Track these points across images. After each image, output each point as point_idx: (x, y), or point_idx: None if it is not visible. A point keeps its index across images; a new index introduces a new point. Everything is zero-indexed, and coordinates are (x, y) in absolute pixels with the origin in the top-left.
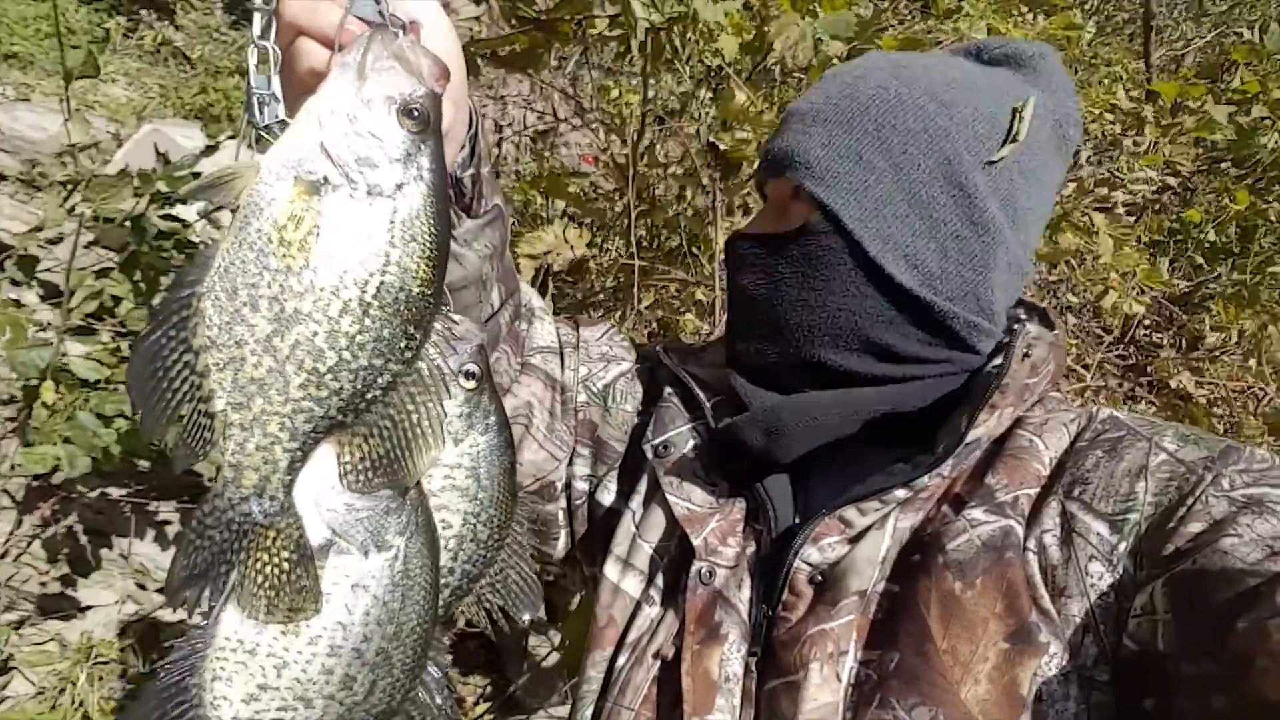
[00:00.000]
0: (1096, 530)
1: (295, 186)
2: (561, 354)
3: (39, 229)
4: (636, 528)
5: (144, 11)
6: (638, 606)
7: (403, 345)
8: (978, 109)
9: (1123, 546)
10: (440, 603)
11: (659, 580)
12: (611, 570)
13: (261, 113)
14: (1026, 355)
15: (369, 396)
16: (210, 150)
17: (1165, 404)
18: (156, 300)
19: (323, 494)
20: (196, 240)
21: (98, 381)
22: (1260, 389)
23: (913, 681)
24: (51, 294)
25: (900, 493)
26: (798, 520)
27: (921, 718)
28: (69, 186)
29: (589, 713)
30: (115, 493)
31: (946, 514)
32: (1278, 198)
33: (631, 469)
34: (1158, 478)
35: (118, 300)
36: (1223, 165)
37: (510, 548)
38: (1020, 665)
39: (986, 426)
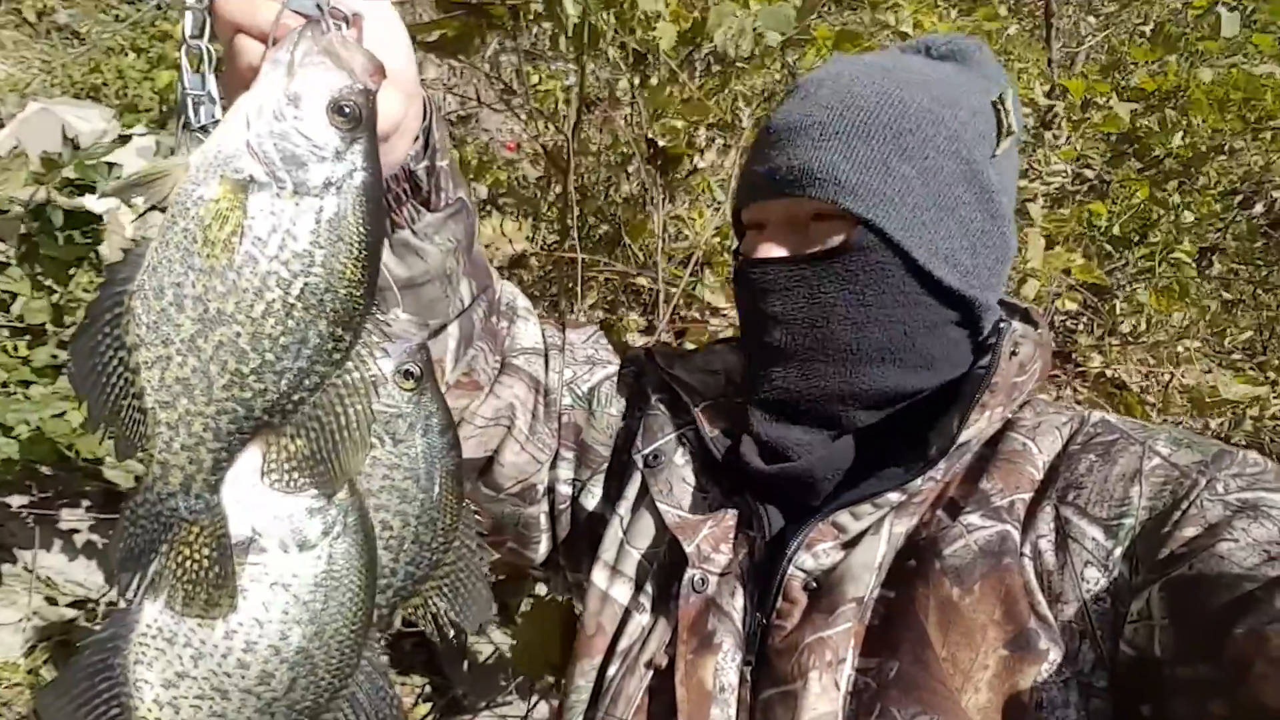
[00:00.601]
0: (1092, 535)
1: (221, 185)
2: (546, 356)
3: None
4: (624, 534)
5: None
6: (627, 614)
7: (330, 347)
8: (972, 107)
9: (1118, 552)
10: (384, 603)
11: (649, 587)
12: (599, 577)
13: (197, 114)
14: (1013, 354)
15: (295, 398)
16: (124, 140)
17: (1101, 392)
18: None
19: (245, 490)
20: (102, 229)
21: None
22: (1171, 372)
23: (913, 690)
24: None
25: (894, 496)
26: (790, 525)
27: None
28: None
29: None
30: (16, 502)
31: (942, 519)
32: (1175, 189)
33: (618, 474)
34: (1152, 482)
35: (14, 296)
36: (1126, 157)
37: (458, 552)
38: (1020, 672)
39: (977, 427)
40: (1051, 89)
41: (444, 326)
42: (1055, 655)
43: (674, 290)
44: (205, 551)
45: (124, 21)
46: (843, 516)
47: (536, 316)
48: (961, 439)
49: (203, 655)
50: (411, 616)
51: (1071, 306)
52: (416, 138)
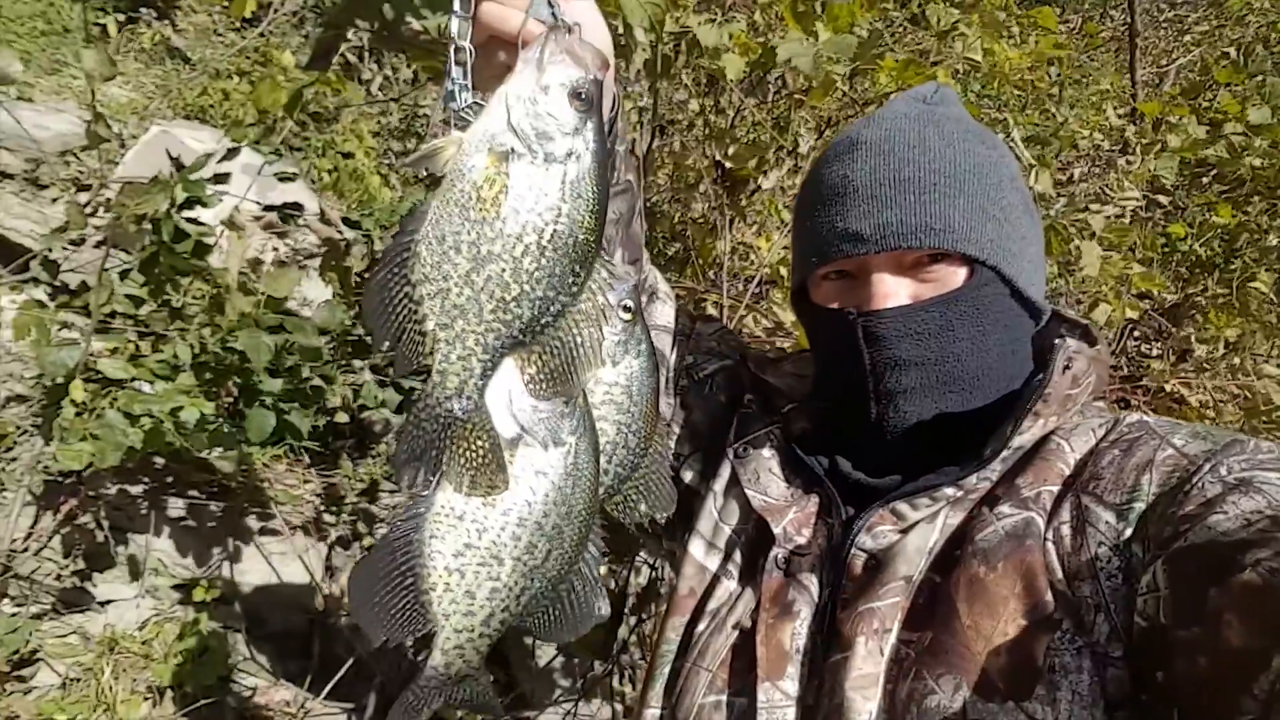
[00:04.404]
0: (1105, 519)
1: (489, 155)
2: (675, 338)
3: (64, 229)
4: (718, 513)
5: (142, 10)
6: (715, 579)
7: (570, 281)
8: (1002, 147)
9: (1128, 532)
10: (600, 496)
11: (736, 557)
12: (696, 548)
13: (460, 98)
14: (1067, 368)
15: (544, 321)
16: (233, 153)
17: (1160, 407)
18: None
19: (515, 399)
20: (213, 242)
21: (121, 380)
22: (1246, 393)
23: (941, 654)
24: (57, 293)
25: (950, 491)
26: (859, 513)
27: (948, 685)
28: (93, 188)
29: (667, 669)
30: (133, 490)
31: (983, 513)
32: (1260, 211)
33: (715, 457)
34: (1162, 470)
35: (140, 301)
36: (1205, 181)
37: (652, 457)
38: (1036, 639)
39: (1031, 433)
40: (1132, 112)
41: None
42: (1069, 625)
43: (739, 305)
44: (480, 442)
45: (230, 47)
46: (901, 505)
47: (675, 302)
48: (1015, 443)
49: (485, 529)
50: (614, 510)
51: (1133, 315)
52: (608, 124)
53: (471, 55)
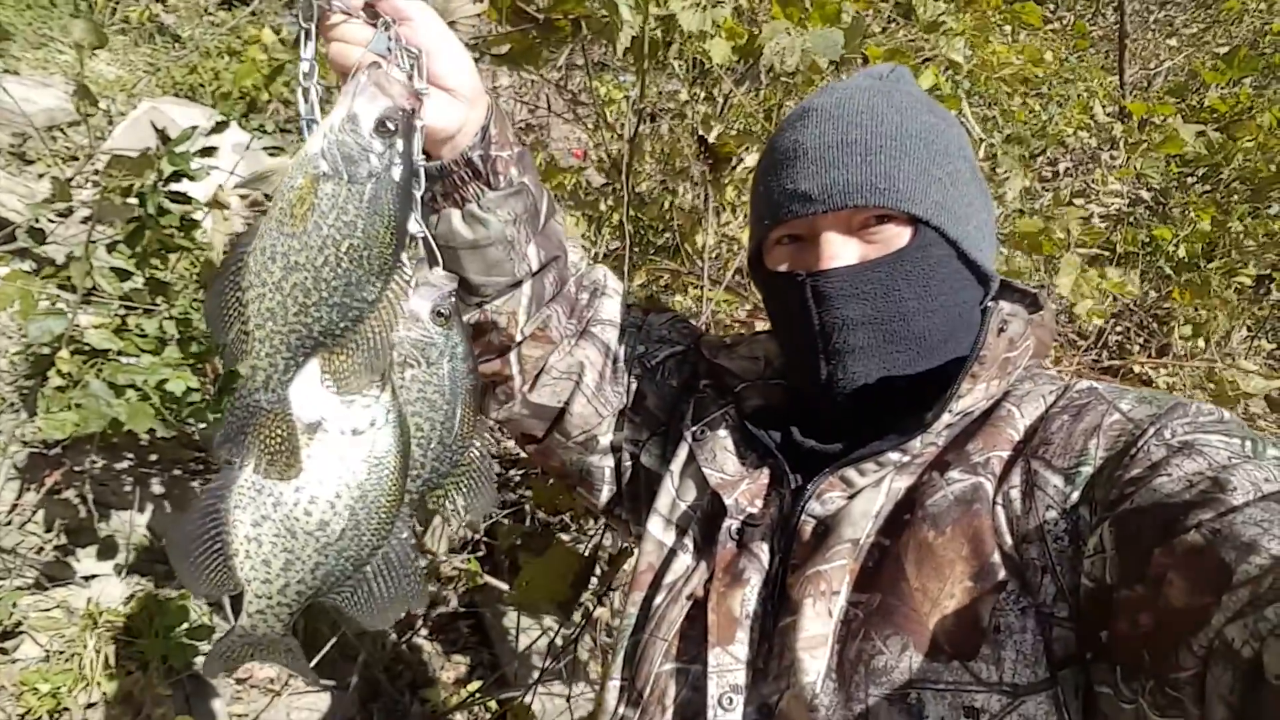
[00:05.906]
0: (1054, 483)
1: (305, 178)
2: (623, 330)
3: (51, 200)
4: (676, 491)
5: None
6: (672, 553)
7: (366, 289)
8: (950, 118)
9: (1075, 496)
10: (414, 489)
11: (692, 532)
12: (655, 525)
13: (310, 130)
14: (1002, 330)
15: (342, 325)
16: (221, 126)
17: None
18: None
19: (316, 389)
20: (199, 216)
21: (107, 352)
22: (1210, 383)
23: (889, 616)
24: (42, 265)
25: (894, 456)
26: (809, 481)
27: (895, 646)
28: (80, 162)
29: (627, 642)
30: (117, 466)
31: (933, 478)
32: (1241, 214)
33: (672, 441)
34: (1109, 435)
35: (125, 275)
36: (1190, 182)
37: (473, 455)
38: (982, 601)
39: (973, 396)
40: (1121, 111)
41: (518, 285)
42: (1014, 587)
43: (718, 285)
44: (278, 430)
45: (220, 26)
46: (850, 472)
47: (622, 296)
48: (958, 407)
49: (280, 503)
50: (434, 504)
51: (1098, 321)
52: (475, 133)
53: (318, 91)
